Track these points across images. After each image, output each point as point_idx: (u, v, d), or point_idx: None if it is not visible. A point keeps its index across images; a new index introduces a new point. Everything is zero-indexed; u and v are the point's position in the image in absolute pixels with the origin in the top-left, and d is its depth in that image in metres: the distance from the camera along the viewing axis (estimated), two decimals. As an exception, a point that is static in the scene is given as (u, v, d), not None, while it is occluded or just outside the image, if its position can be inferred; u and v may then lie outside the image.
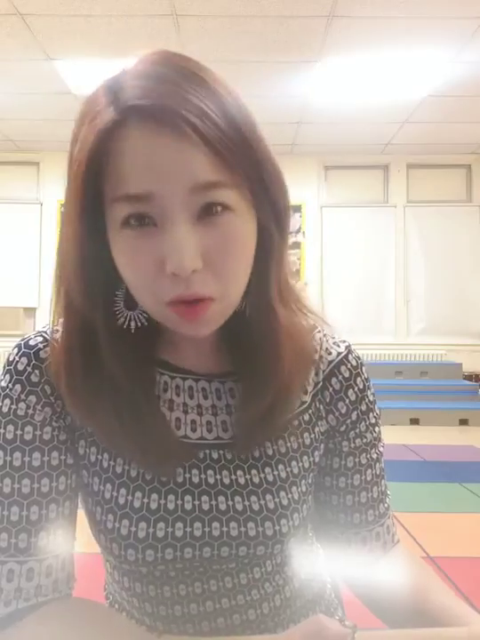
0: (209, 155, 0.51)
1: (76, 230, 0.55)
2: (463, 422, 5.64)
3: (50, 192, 6.81)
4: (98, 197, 0.54)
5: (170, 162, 0.51)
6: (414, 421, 5.62)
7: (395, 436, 4.74)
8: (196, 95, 0.52)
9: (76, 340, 0.59)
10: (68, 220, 0.56)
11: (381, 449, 0.72)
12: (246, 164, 0.54)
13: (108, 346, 0.59)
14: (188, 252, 0.52)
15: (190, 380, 0.65)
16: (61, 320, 0.61)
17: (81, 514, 0.64)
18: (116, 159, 0.52)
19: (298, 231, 6.81)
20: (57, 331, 0.62)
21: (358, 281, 6.81)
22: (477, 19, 3.92)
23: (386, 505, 0.72)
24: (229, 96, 0.56)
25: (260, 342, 0.62)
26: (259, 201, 0.56)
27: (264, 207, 0.57)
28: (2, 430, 0.60)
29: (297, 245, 6.77)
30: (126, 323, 0.59)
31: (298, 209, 6.74)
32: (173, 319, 0.56)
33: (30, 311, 6.76)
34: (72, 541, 0.62)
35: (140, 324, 0.59)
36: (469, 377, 6.55)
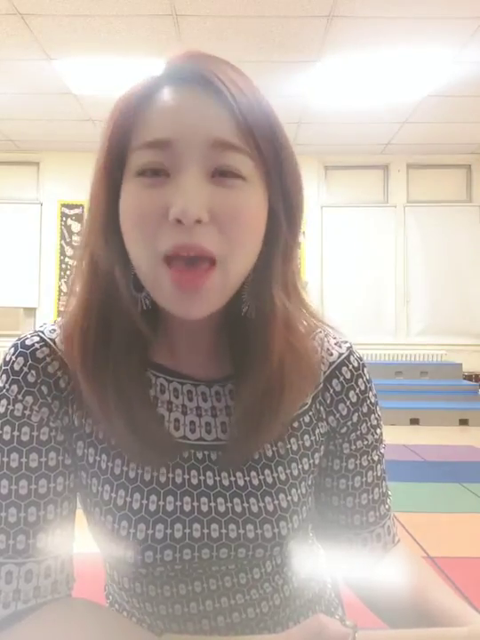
0: (234, 118, 0.54)
1: (102, 182, 0.57)
2: (463, 422, 5.64)
3: (50, 192, 6.81)
4: (125, 155, 0.56)
5: (195, 114, 0.54)
6: (414, 421, 5.61)
7: (395, 436, 4.74)
8: (231, 73, 0.57)
9: (95, 307, 0.59)
10: (96, 180, 0.58)
11: (383, 451, 0.72)
12: (266, 139, 0.56)
13: (120, 314, 0.58)
14: (195, 199, 0.52)
15: (189, 385, 0.65)
16: (63, 316, 0.62)
17: (80, 514, 0.64)
18: (147, 113, 0.55)
19: (298, 231, 6.80)
20: (51, 331, 0.62)
21: (358, 281, 6.81)
22: (477, 19, 3.92)
23: (387, 506, 0.72)
24: (259, 91, 0.59)
25: (255, 333, 0.60)
26: (272, 181, 0.57)
27: (276, 192, 0.58)
28: None
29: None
30: (139, 304, 0.59)
31: (298, 209, 6.73)
32: (167, 287, 0.54)
33: (30, 311, 6.76)
34: (71, 542, 0.62)
35: (144, 307, 0.59)
36: (469, 377, 6.55)
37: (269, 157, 0.56)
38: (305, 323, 0.66)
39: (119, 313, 0.59)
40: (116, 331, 0.59)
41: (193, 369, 0.65)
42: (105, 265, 0.58)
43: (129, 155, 0.55)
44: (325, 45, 4.31)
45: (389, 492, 0.73)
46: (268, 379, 0.61)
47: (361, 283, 6.82)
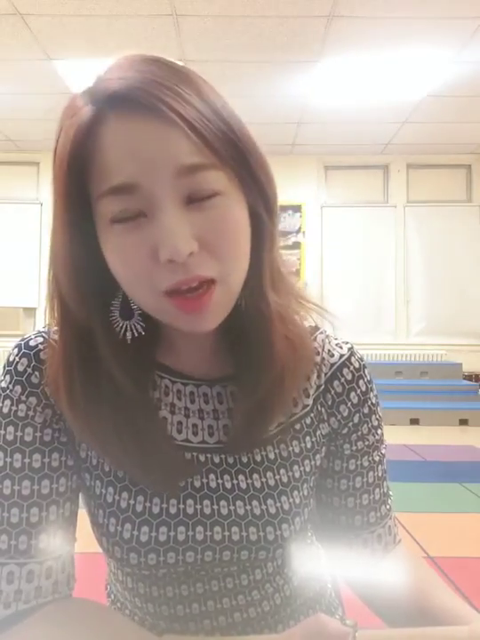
0: (191, 137, 0.50)
1: (64, 234, 0.54)
2: (463, 422, 5.63)
3: (50, 192, 6.79)
4: (84, 198, 0.53)
5: (151, 147, 0.50)
6: (414, 421, 5.61)
7: (395, 436, 4.73)
8: (172, 81, 0.52)
9: (74, 351, 0.58)
10: (56, 225, 0.55)
11: (383, 451, 0.72)
12: (230, 146, 0.53)
13: (105, 355, 0.57)
14: (181, 236, 0.50)
15: (191, 386, 0.65)
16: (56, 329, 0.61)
17: (82, 514, 0.64)
18: (99, 154, 0.52)
19: (298, 231, 6.80)
20: (55, 333, 0.61)
21: (358, 281, 6.81)
22: (477, 19, 3.92)
23: (388, 506, 0.72)
24: (206, 85, 0.55)
25: (252, 331, 0.60)
26: (246, 185, 0.55)
27: (252, 192, 0.56)
28: (2, 431, 0.60)
29: (297, 245, 6.77)
30: (122, 332, 0.58)
31: (298, 209, 6.73)
32: (172, 313, 0.54)
33: (30, 311, 6.75)
34: (72, 543, 0.62)
35: (136, 334, 0.58)
36: (469, 377, 6.54)
37: (237, 161, 0.54)
38: (300, 316, 0.65)
39: (102, 350, 0.57)
40: (104, 367, 0.58)
41: (195, 368, 0.65)
42: (77, 312, 0.57)
43: (95, 201, 0.53)
44: (325, 45, 4.30)
45: (391, 493, 0.73)
46: (264, 371, 0.61)
47: (361, 283, 6.81)
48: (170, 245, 0.50)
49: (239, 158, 0.54)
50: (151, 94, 0.50)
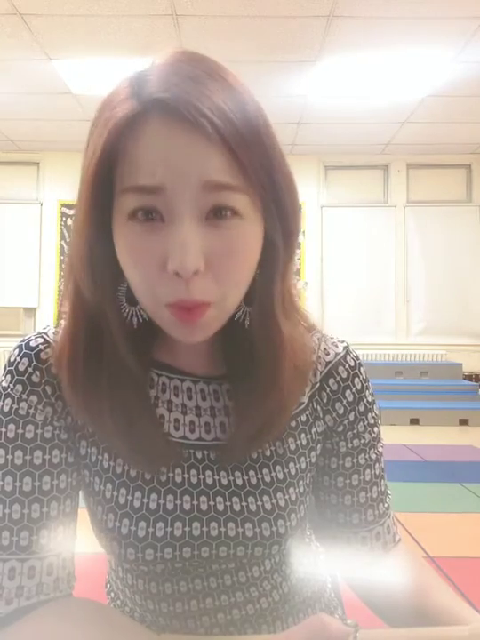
0: (225, 155, 0.51)
1: (85, 219, 0.55)
2: (463, 422, 5.64)
3: (50, 192, 6.81)
4: (109, 188, 0.54)
5: (185, 157, 0.51)
6: (414, 421, 5.62)
7: (395, 436, 4.74)
8: (218, 94, 0.52)
9: (81, 329, 0.60)
10: (79, 209, 0.56)
11: (380, 449, 0.72)
12: (261, 170, 0.54)
13: (111, 337, 0.59)
14: (192, 252, 0.51)
15: (188, 382, 0.66)
16: (63, 318, 0.62)
17: (82, 513, 0.64)
18: (132, 150, 0.52)
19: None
20: (63, 315, 0.63)
21: (358, 281, 6.81)
22: (477, 19, 3.92)
23: (386, 505, 0.72)
24: (248, 96, 0.56)
25: (261, 353, 0.61)
26: (268, 211, 0.56)
27: (273, 219, 0.56)
28: (3, 429, 0.60)
29: (297, 245, 6.77)
30: (128, 318, 0.59)
31: (298, 209, 6.74)
32: (170, 322, 0.56)
33: (30, 311, 6.75)
34: (73, 540, 0.63)
35: (140, 320, 0.59)
36: (469, 377, 6.55)
37: (264, 188, 0.54)
38: (302, 329, 0.66)
39: (109, 332, 0.59)
40: (107, 348, 0.59)
41: (191, 366, 0.66)
42: (89, 296, 0.58)
43: (118, 193, 0.53)
44: (325, 45, 4.31)
45: (389, 491, 0.73)
46: (269, 391, 0.61)
47: (361, 283, 6.82)
48: (179, 258, 0.51)
49: (269, 185, 0.55)
50: (195, 107, 0.50)
